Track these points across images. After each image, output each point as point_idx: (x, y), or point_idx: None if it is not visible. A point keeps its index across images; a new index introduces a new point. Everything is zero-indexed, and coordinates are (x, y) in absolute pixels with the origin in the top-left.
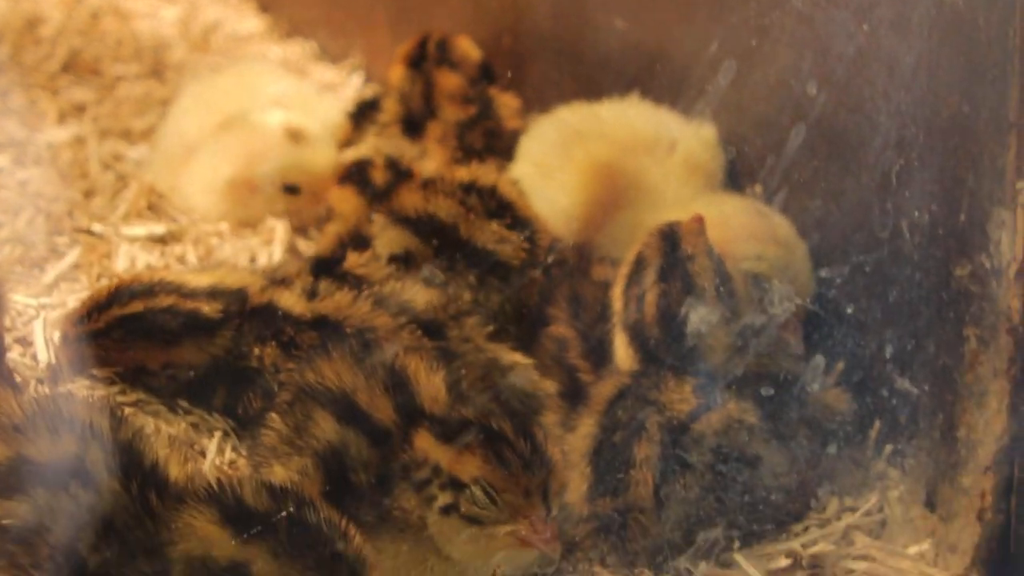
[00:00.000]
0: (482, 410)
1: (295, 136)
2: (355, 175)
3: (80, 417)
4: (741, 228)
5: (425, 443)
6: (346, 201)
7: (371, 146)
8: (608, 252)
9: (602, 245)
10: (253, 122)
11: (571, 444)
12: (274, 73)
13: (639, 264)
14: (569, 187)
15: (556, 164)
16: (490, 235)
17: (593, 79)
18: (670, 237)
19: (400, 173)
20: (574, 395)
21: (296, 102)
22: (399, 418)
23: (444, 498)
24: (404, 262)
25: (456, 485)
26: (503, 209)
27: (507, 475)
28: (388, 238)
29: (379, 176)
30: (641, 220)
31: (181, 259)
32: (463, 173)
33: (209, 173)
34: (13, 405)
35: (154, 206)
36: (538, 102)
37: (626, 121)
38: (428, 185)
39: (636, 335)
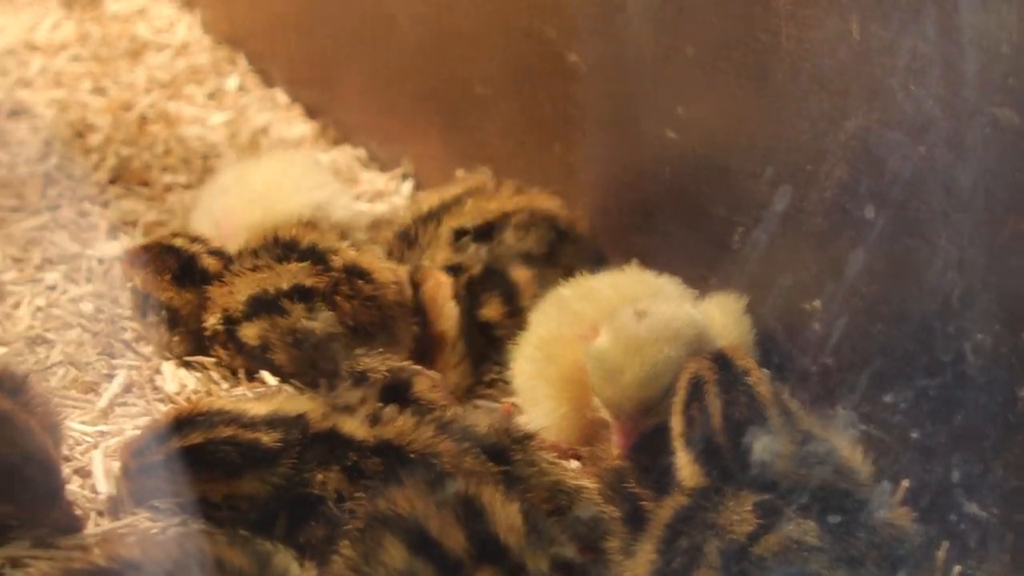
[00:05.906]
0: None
1: None
2: None
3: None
4: None
5: None
6: None
7: None
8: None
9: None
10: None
11: (631, 570)
12: (314, 168)
13: (695, 383)
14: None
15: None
16: None
17: (644, 189)
18: (719, 358)
19: None
20: (636, 520)
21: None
22: (472, 548)
23: None
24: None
25: None
26: None
27: None
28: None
29: None
30: None
31: (226, 379)
32: None
33: None
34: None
35: None
36: (587, 211)
37: (620, 300)
38: None
39: (704, 450)
